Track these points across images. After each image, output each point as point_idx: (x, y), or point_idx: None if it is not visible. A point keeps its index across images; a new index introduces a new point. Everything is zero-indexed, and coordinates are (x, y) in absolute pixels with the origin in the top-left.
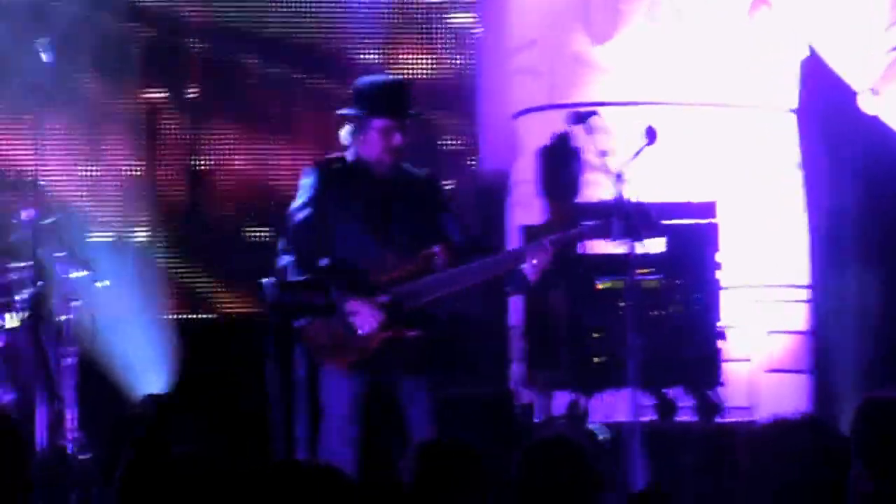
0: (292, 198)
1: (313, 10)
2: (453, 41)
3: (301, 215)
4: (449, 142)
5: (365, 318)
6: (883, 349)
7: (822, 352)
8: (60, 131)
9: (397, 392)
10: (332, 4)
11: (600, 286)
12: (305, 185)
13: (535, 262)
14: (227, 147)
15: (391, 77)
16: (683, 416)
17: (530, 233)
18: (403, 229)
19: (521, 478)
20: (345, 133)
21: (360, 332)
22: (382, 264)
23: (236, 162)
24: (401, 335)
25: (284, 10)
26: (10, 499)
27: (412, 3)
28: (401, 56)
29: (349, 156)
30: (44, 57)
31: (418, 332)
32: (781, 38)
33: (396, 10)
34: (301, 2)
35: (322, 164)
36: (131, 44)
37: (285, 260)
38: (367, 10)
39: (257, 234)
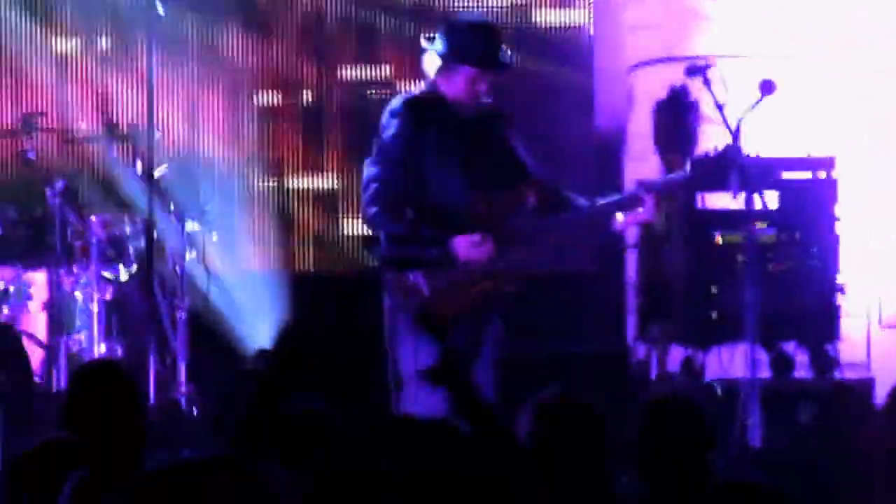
0: None
1: None
2: None
3: (394, 152)
4: (564, 96)
5: (473, 250)
6: None
7: None
8: (174, 82)
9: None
10: None
11: (717, 240)
12: (392, 122)
13: (640, 210)
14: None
15: (485, 22)
16: (799, 372)
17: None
18: (492, 168)
19: (636, 435)
20: (428, 63)
21: (469, 262)
22: (476, 204)
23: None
24: (500, 289)
25: None
26: (124, 451)
27: None
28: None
29: (429, 86)
30: (159, 9)
31: (515, 288)
32: None
33: None
34: None
35: (413, 100)
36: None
37: (374, 210)
38: None
39: None
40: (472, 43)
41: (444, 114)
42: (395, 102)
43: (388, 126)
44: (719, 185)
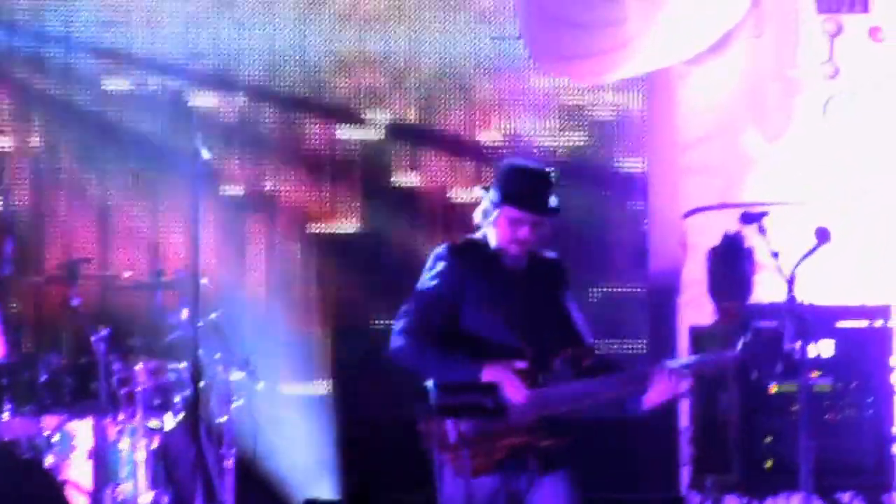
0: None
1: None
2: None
3: (430, 294)
4: (619, 241)
5: (514, 390)
6: None
7: None
8: (219, 226)
9: (536, 493)
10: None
11: (772, 389)
12: (437, 264)
13: (660, 387)
14: None
15: (534, 166)
16: None
17: (698, 335)
18: (536, 322)
19: None
20: (479, 211)
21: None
22: (512, 356)
23: None
24: (536, 442)
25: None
26: None
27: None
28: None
29: (480, 236)
30: (204, 154)
31: (552, 441)
32: None
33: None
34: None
35: (457, 246)
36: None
37: (402, 340)
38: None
39: None
40: (514, 184)
41: (489, 262)
42: (441, 247)
43: (429, 268)
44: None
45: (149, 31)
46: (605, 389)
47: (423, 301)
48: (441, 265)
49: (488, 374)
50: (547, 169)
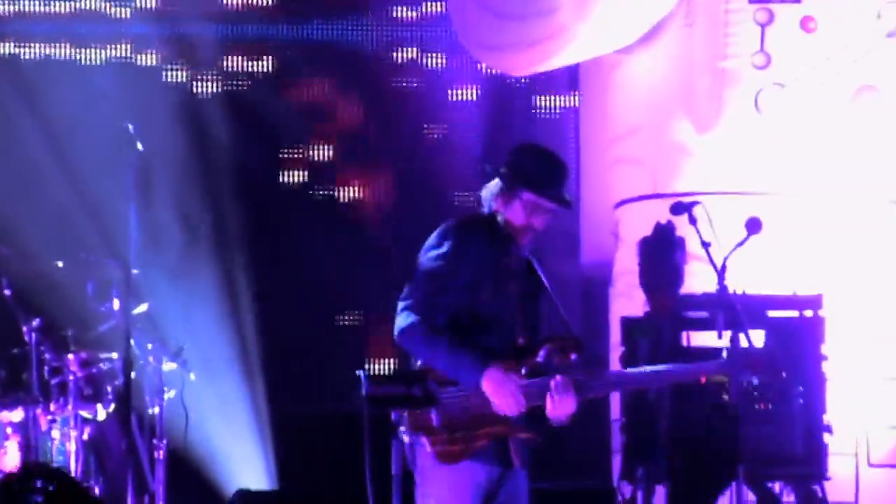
0: None
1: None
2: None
3: (437, 274)
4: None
5: (507, 404)
6: None
7: None
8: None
9: (507, 483)
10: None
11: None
12: (444, 243)
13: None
14: None
15: (555, 153)
16: None
17: (629, 326)
18: (530, 307)
19: None
20: (490, 190)
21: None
22: (510, 341)
23: None
24: (515, 433)
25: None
26: None
27: (510, 85)
28: (498, 145)
29: (487, 211)
30: (138, 145)
31: (530, 435)
32: (885, 127)
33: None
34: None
35: (465, 224)
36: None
37: (410, 325)
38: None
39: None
40: (537, 169)
41: (497, 244)
42: (448, 224)
43: (436, 246)
44: (705, 324)
45: None
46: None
47: (430, 282)
48: (448, 244)
49: (487, 385)
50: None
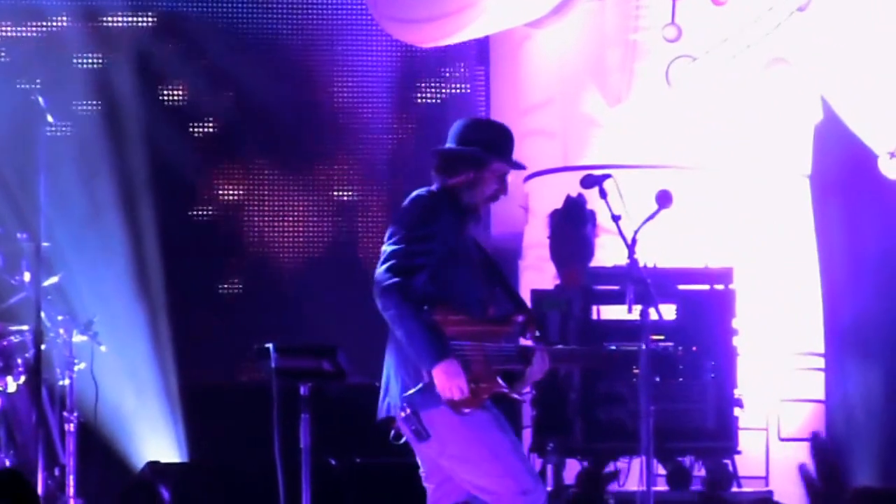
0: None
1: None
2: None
3: (422, 243)
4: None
5: (454, 390)
6: None
7: (837, 421)
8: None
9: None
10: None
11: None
12: (426, 213)
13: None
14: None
15: (504, 124)
16: (697, 486)
17: (539, 298)
18: (491, 279)
19: None
20: (450, 166)
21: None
22: (482, 310)
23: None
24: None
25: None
26: None
27: (420, 57)
28: (408, 114)
29: (438, 187)
30: (48, 117)
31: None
32: (796, 101)
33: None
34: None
35: (440, 196)
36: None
37: (391, 289)
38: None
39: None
40: (502, 139)
41: (463, 215)
42: (425, 193)
43: (418, 214)
44: (615, 298)
45: None
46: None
47: (414, 250)
48: (429, 214)
49: (441, 371)
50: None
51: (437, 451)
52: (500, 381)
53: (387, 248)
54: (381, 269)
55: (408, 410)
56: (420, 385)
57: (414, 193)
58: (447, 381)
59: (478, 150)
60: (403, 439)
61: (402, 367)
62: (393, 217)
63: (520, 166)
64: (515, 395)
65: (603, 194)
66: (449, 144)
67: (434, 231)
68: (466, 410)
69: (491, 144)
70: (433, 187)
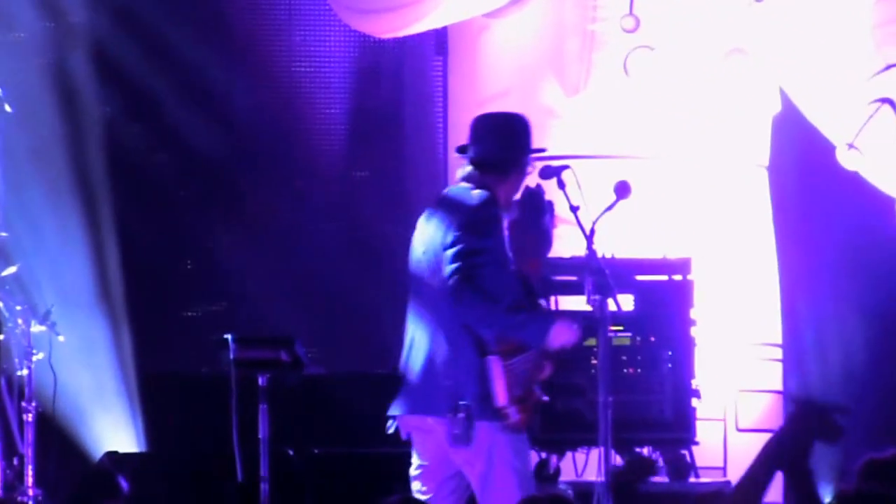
0: None
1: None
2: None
3: (499, 250)
4: (417, 193)
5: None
6: (865, 408)
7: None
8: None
9: None
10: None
11: None
12: (492, 218)
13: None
14: None
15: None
16: (655, 476)
17: None
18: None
19: None
20: (500, 168)
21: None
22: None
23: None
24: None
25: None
26: None
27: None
28: (365, 105)
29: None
30: (6, 107)
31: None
32: (754, 92)
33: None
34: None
35: (495, 199)
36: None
37: (478, 299)
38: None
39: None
40: (529, 135)
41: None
42: (487, 197)
43: (486, 219)
44: (574, 289)
45: None
46: None
47: (493, 256)
48: (495, 219)
49: (557, 333)
50: None
51: (468, 460)
52: (538, 390)
53: (464, 251)
54: (461, 275)
55: (464, 413)
56: (487, 395)
57: (478, 196)
58: (568, 332)
59: (526, 151)
60: (401, 433)
61: (460, 369)
62: (462, 221)
63: (533, 161)
64: (545, 399)
65: (561, 185)
66: (486, 145)
67: (502, 236)
68: (519, 432)
69: (525, 144)
70: (485, 192)
